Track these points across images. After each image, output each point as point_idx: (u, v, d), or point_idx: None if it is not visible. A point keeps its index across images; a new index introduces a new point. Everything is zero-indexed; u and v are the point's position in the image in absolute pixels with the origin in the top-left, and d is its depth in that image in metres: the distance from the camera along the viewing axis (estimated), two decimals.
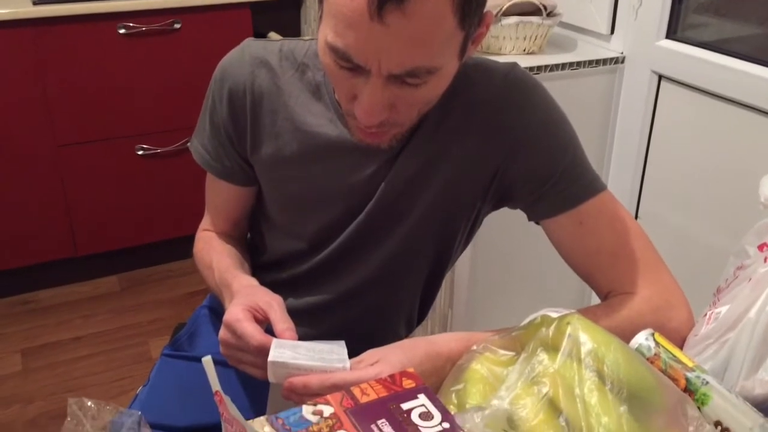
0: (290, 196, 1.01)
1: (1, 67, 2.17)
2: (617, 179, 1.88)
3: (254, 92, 0.95)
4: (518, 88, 0.91)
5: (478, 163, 0.93)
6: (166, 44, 2.36)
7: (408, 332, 1.15)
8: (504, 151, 0.92)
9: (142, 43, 2.33)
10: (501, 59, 0.95)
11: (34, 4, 2.17)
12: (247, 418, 0.92)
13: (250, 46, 0.97)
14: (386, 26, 0.70)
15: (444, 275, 1.12)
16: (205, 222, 1.12)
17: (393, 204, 0.96)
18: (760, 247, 0.81)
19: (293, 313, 1.04)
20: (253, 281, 0.96)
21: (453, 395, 0.72)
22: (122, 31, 2.28)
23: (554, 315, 0.73)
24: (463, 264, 1.81)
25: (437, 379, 0.78)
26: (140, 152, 2.46)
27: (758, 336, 0.74)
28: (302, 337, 0.89)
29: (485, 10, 0.79)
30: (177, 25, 2.35)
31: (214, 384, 0.60)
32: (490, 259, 1.84)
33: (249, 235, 1.16)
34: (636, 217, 1.84)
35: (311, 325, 1.06)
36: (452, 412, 0.67)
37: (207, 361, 0.60)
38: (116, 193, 2.48)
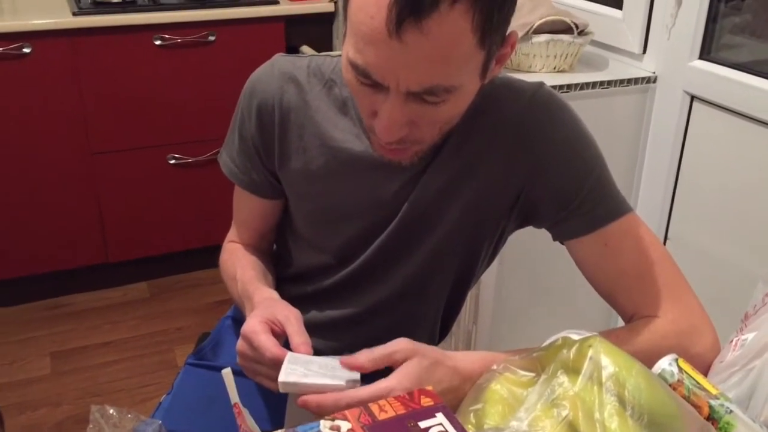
0: (316, 210, 1.01)
1: (41, 75, 2.22)
2: (647, 200, 1.86)
3: (282, 107, 0.96)
4: (544, 107, 0.91)
5: (503, 181, 0.93)
6: (201, 56, 2.40)
7: None
8: (529, 170, 0.91)
9: (177, 54, 2.37)
10: (531, 77, 0.95)
11: (74, 14, 2.22)
12: (266, 429, 0.92)
13: (279, 61, 0.98)
14: (404, 44, 0.70)
15: (467, 292, 1.11)
16: (232, 234, 1.13)
17: (418, 220, 0.97)
18: None
19: (315, 327, 1.04)
20: (274, 294, 0.96)
21: (471, 415, 0.72)
22: (158, 42, 2.32)
23: (576, 337, 0.73)
24: (489, 280, 1.80)
25: (455, 398, 0.77)
26: (172, 161, 2.49)
27: None
28: (323, 351, 0.89)
29: (510, 30, 0.79)
30: (212, 38, 2.38)
31: (233, 396, 0.61)
32: (515, 276, 1.83)
33: (275, 248, 1.16)
34: (665, 238, 1.82)
35: (333, 339, 1.06)
36: None
37: (226, 373, 0.61)
38: (148, 201, 2.52)
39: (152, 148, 2.46)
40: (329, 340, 1.06)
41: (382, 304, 1.04)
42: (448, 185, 0.94)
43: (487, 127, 0.91)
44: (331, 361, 0.82)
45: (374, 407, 0.68)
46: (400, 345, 0.79)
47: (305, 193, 1.01)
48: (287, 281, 1.10)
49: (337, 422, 0.66)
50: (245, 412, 0.60)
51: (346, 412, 0.67)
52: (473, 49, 0.74)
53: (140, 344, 2.35)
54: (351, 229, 1.00)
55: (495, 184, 0.93)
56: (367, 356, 0.79)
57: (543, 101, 0.91)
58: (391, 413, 0.68)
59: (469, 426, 0.71)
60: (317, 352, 0.86)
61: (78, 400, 2.09)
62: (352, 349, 1.04)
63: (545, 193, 0.92)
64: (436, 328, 1.12)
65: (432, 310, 1.09)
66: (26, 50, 2.18)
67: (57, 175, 2.36)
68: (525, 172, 0.92)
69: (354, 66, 0.76)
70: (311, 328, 0.90)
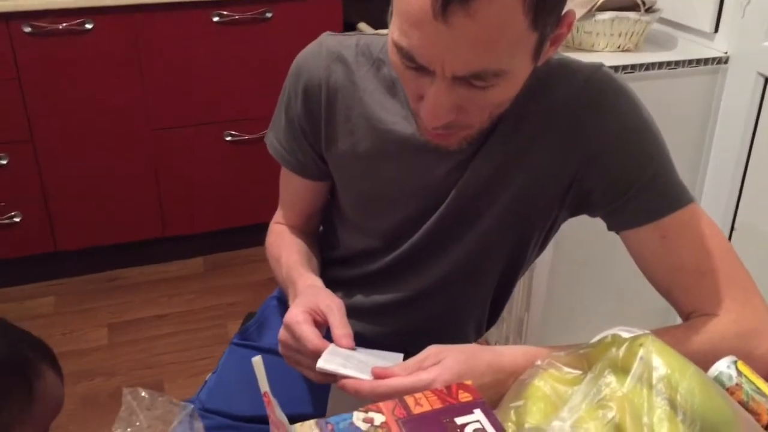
0: (363, 192, 0.99)
1: (102, 51, 2.26)
2: (713, 187, 1.78)
3: (329, 87, 0.94)
4: (601, 90, 0.86)
5: (556, 168, 0.89)
6: (258, 33, 2.40)
7: (477, 337, 1.12)
8: (583, 157, 0.87)
9: (235, 31, 2.37)
10: (594, 56, 0.91)
11: None
12: (307, 412, 0.91)
13: (326, 41, 0.96)
14: (450, 27, 0.67)
15: (517, 280, 1.08)
16: (278, 215, 1.13)
17: (467, 206, 0.94)
18: None
19: (361, 311, 1.03)
20: (318, 281, 0.95)
21: (512, 412, 0.69)
22: (216, 19, 2.33)
23: (626, 335, 0.69)
24: (542, 268, 1.76)
25: (498, 393, 0.75)
26: (228, 138, 2.51)
27: None
28: (368, 336, 0.87)
29: (566, 9, 0.75)
30: (269, 14, 2.38)
31: (263, 385, 0.60)
32: (569, 264, 1.78)
33: (321, 229, 1.15)
34: (731, 228, 1.74)
35: (378, 324, 1.04)
36: (509, 431, 0.64)
37: (257, 361, 0.59)
38: (204, 178, 2.55)
39: (209, 124, 2.48)
40: (374, 324, 1.04)
41: (428, 289, 1.02)
42: (497, 172, 0.90)
43: (540, 111, 0.87)
44: (372, 357, 0.81)
45: (410, 400, 0.66)
46: (429, 351, 0.78)
47: (352, 176, 0.99)
48: (333, 264, 1.08)
49: (371, 414, 0.64)
50: (274, 403, 0.59)
51: (381, 404, 0.65)
52: (525, 31, 0.70)
53: (194, 318, 2.38)
54: (398, 213, 0.98)
55: (547, 171, 0.89)
56: (401, 369, 0.76)
57: (600, 84, 0.86)
58: (426, 407, 0.66)
59: (509, 423, 0.68)
60: (362, 336, 0.85)
61: (132, 371, 2.14)
62: (398, 333, 1.03)
63: (599, 182, 0.87)
64: (484, 316, 1.10)
65: (479, 297, 1.06)
66: (88, 26, 2.21)
67: (117, 151, 2.40)
68: (579, 159, 0.87)
69: (399, 49, 0.73)
70: (356, 312, 0.88)
